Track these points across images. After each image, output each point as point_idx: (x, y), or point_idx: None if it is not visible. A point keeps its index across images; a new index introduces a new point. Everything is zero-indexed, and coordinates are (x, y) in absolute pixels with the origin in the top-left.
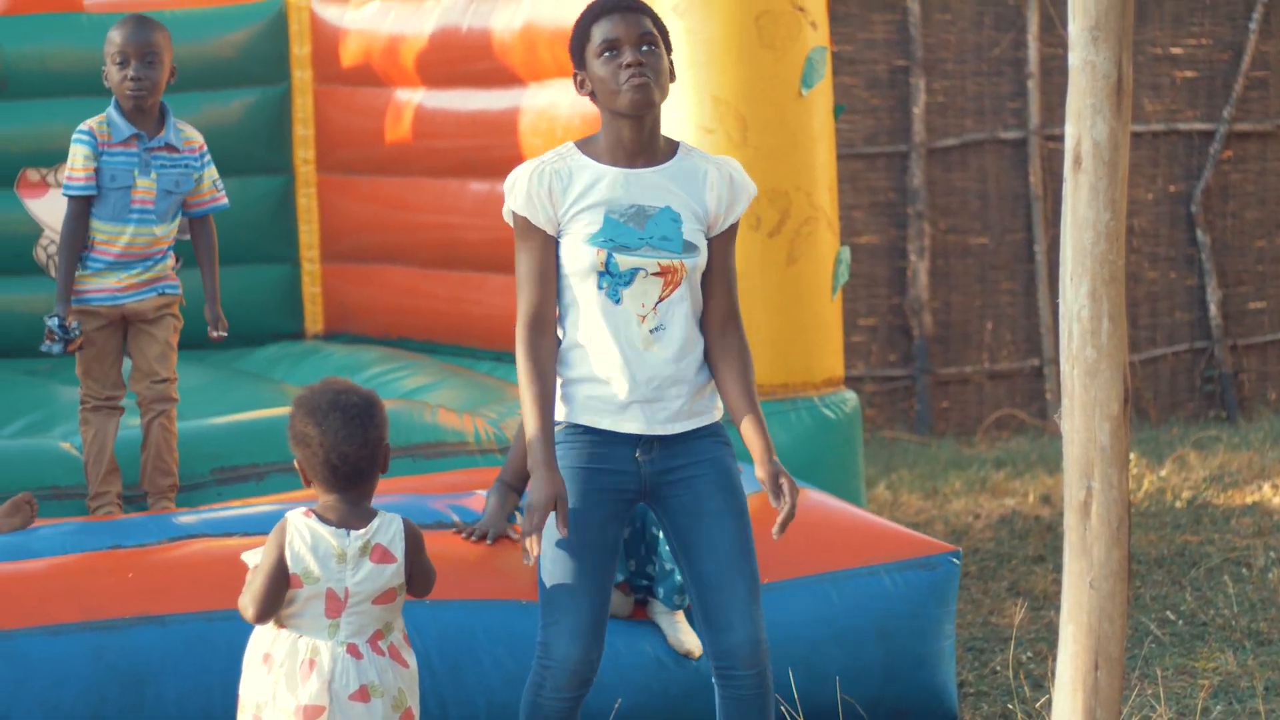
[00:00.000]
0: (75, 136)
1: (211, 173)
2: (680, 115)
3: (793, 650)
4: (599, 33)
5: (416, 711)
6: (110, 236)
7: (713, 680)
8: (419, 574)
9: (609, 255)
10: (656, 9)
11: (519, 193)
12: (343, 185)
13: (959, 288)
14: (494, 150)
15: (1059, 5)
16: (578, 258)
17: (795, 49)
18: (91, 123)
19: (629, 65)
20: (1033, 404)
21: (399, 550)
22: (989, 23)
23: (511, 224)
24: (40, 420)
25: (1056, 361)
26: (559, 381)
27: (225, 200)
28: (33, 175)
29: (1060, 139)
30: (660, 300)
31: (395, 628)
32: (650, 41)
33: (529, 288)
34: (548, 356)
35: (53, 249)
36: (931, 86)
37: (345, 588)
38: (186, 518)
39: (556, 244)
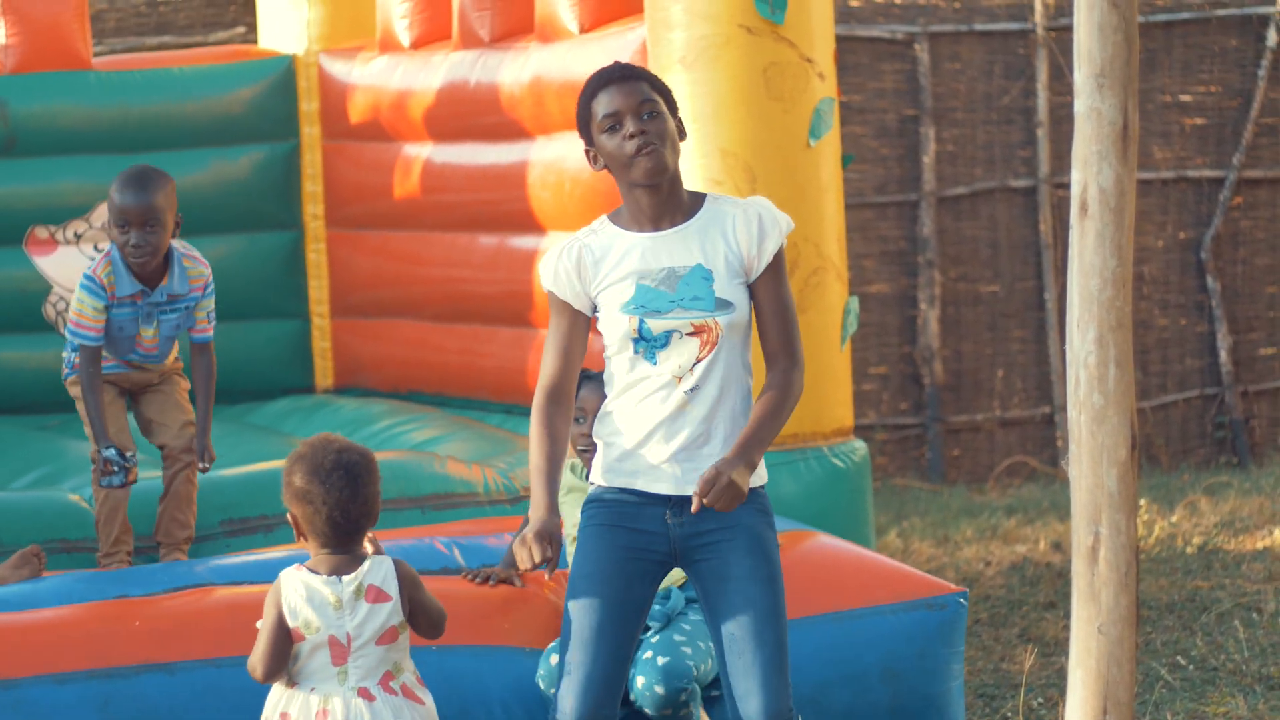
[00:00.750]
0: (83, 283)
1: (207, 304)
2: (689, 168)
3: (799, 690)
4: (600, 107)
5: None
6: (117, 363)
7: None
8: (421, 612)
9: (640, 321)
10: (663, 63)
11: (549, 269)
12: (352, 240)
13: (970, 336)
14: (503, 204)
15: (1068, 54)
16: (613, 327)
17: (803, 100)
18: (99, 272)
19: (633, 136)
20: (1044, 451)
21: (392, 589)
22: (998, 71)
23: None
24: (50, 474)
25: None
26: (600, 445)
27: (210, 333)
28: (41, 233)
29: (1070, 187)
30: (698, 360)
31: (405, 668)
32: (651, 108)
33: (551, 359)
34: (561, 427)
35: (62, 305)
36: (941, 135)
37: (346, 632)
38: (195, 566)
39: (589, 319)
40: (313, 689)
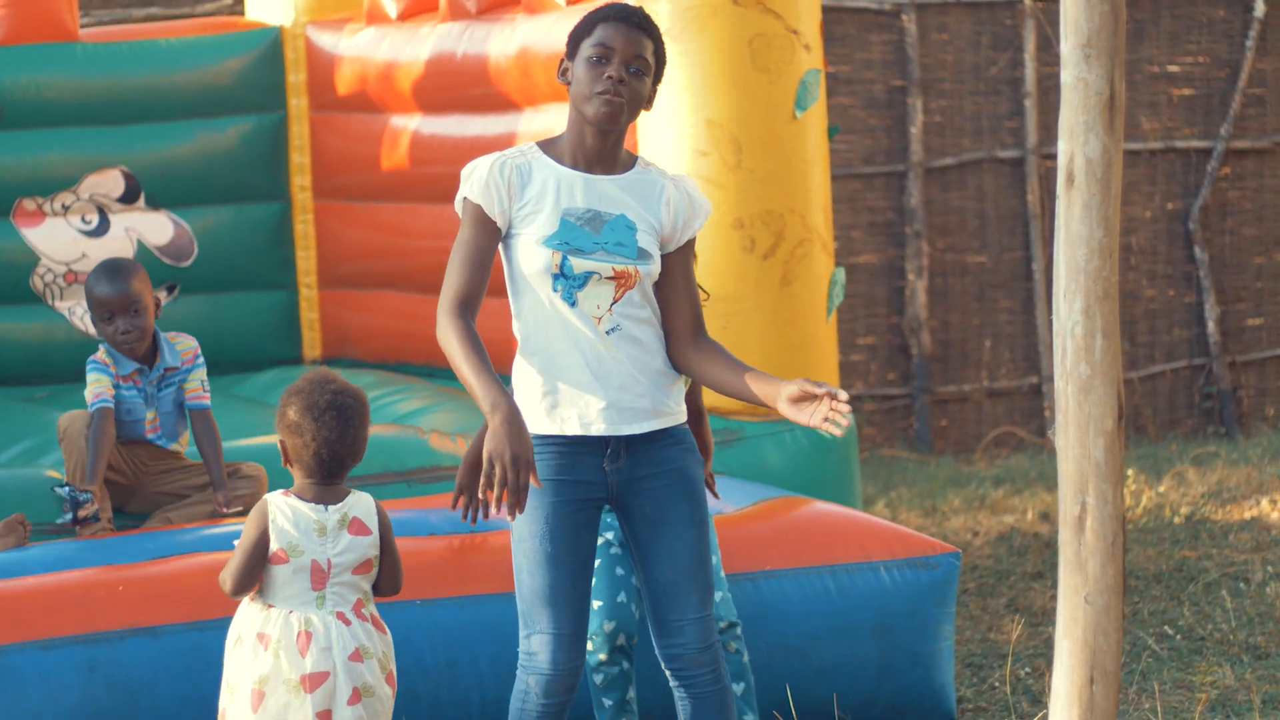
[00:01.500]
0: (90, 367)
1: (200, 374)
2: (674, 138)
3: (789, 641)
4: (599, 34)
5: (396, 675)
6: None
7: (671, 685)
8: (389, 568)
9: (564, 258)
10: None
11: (477, 180)
12: (340, 211)
13: (957, 306)
14: None
15: (1055, 24)
16: (532, 259)
17: (789, 72)
18: (100, 355)
19: (609, 78)
20: (1031, 421)
21: (373, 524)
22: (986, 42)
23: (460, 211)
24: (34, 446)
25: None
26: (519, 393)
27: (208, 401)
28: (29, 205)
29: (1058, 157)
30: (615, 302)
31: (370, 599)
32: (641, 66)
33: (463, 270)
34: (475, 331)
35: (49, 277)
36: (929, 106)
37: (328, 559)
38: (181, 536)
39: (501, 241)
40: (291, 611)
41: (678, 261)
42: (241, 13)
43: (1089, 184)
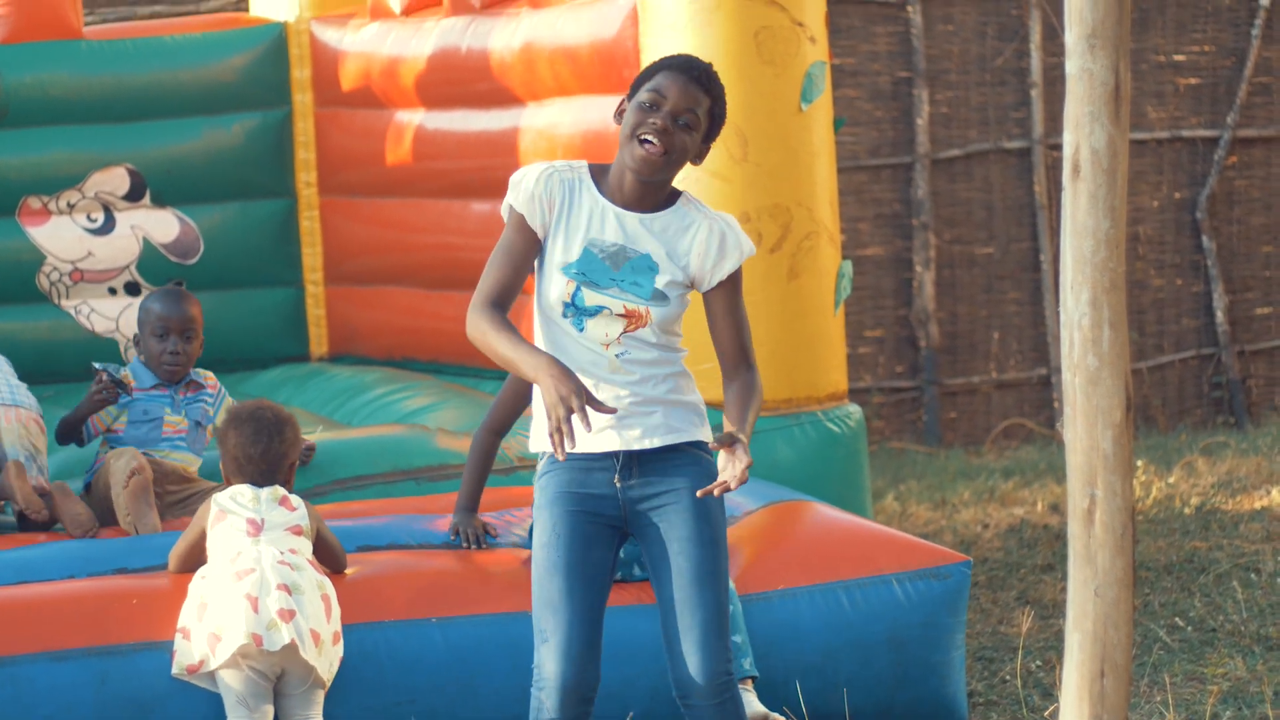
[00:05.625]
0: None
1: (224, 411)
2: None
3: (804, 658)
4: (657, 80)
5: (335, 612)
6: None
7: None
8: (323, 547)
9: (578, 288)
10: (655, 27)
11: (523, 191)
12: (345, 207)
13: (965, 298)
14: (495, 170)
15: (1061, 14)
16: (550, 284)
17: (794, 64)
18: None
19: (652, 124)
20: (1040, 413)
21: (298, 502)
22: (992, 33)
23: (505, 216)
24: None
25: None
26: (536, 410)
27: None
28: (34, 203)
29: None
30: (624, 333)
31: (307, 551)
32: (691, 120)
33: (499, 269)
34: (505, 317)
35: (55, 275)
36: (935, 97)
37: (261, 517)
38: None
39: (539, 245)
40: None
41: (715, 299)
42: (246, 9)
43: (1095, 175)
